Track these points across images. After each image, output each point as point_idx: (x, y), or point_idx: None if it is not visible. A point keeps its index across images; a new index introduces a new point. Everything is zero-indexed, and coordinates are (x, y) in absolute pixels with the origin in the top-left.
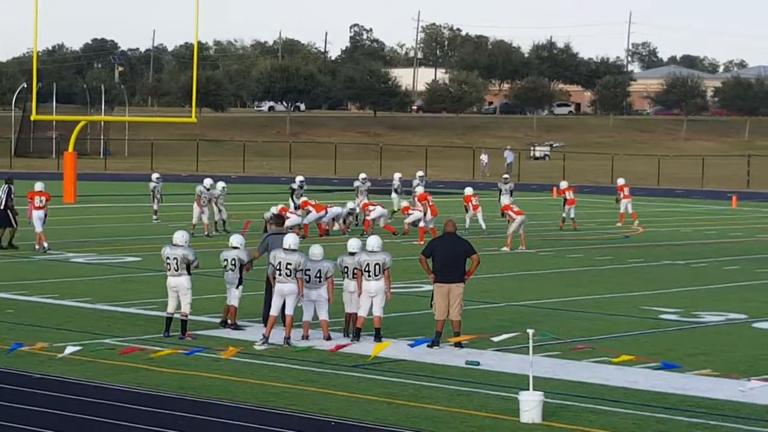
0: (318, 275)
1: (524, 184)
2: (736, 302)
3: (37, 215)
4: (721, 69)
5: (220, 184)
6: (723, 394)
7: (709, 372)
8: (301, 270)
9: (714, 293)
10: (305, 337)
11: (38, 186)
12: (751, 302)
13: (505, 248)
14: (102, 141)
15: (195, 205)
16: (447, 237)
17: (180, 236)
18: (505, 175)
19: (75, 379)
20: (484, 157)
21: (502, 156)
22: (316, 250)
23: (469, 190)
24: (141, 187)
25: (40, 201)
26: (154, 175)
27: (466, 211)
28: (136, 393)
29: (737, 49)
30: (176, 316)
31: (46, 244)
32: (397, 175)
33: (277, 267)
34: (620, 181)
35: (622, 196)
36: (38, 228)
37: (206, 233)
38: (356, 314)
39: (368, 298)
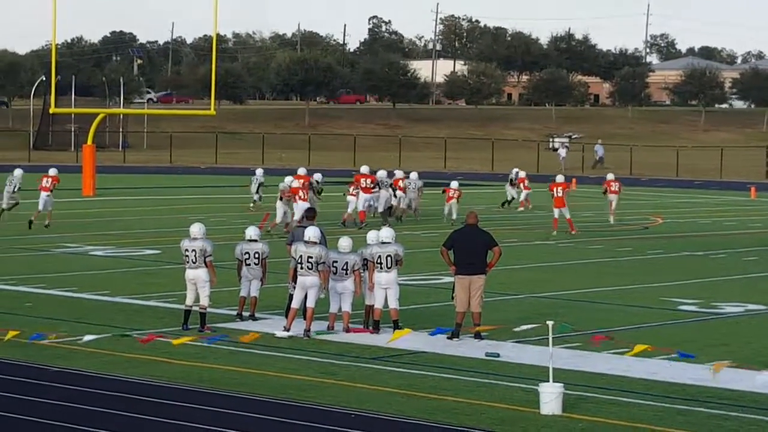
0: (345, 267)
1: (543, 176)
2: (756, 293)
3: (41, 195)
4: (739, 60)
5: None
6: (743, 385)
7: (729, 363)
8: (323, 262)
9: (733, 284)
10: (330, 328)
11: (51, 171)
12: None
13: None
14: (121, 134)
15: (279, 202)
16: (468, 229)
17: (197, 229)
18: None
19: (93, 372)
20: (562, 151)
21: (594, 150)
22: (344, 243)
23: (454, 184)
24: (159, 179)
25: (47, 182)
26: (259, 171)
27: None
28: (155, 386)
29: (755, 40)
30: (195, 308)
31: (47, 222)
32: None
33: (299, 260)
34: (609, 176)
35: (609, 190)
36: (39, 205)
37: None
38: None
39: (381, 290)
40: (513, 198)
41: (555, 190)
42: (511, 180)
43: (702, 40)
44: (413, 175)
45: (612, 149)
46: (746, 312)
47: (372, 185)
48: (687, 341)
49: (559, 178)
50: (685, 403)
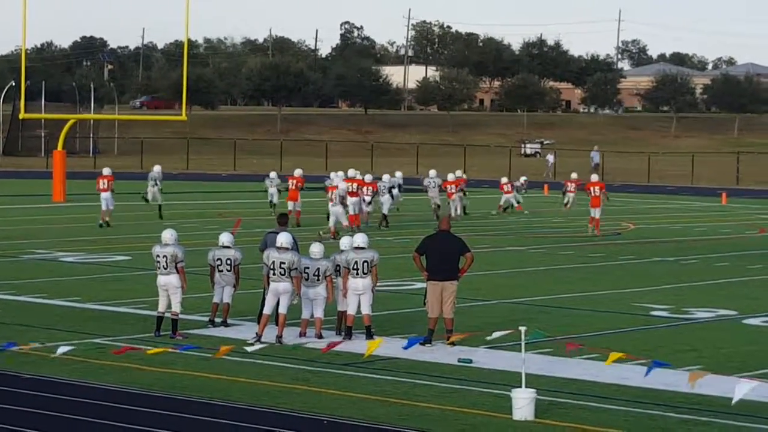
0: (317, 273)
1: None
2: (727, 299)
3: (102, 196)
4: (710, 66)
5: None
6: (714, 390)
7: (700, 368)
8: (296, 268)
9: (704, 290)
10: (302, 335)
11: (104, 171)
12: (741, 299)
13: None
14: (91, 139)
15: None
16: (441, 235)
17: (169, 234)
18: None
19: (65, 379)
20: (550, 158)
21: (590, 157)
22: (316, 249)
23: (450, 177)
24: (131, 185)
25: (103, 183)
26: (273, 173)
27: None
28: (127, 393)
29: (726, 47)
30: (167, 315)
31: (107, 219)
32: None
33: (271, 266)
34: (573, 176)
35: (567, 189)
36: (102, 206)
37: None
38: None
39: (355, 296)
40: (511, 205)
41: (592, 189)
42: (517, 188)
43: (673, 47)
44: (432, 172)
45: (583, 155)
46: (717, 317)
47: (371, 192)
48: (659, 347)
49: (594, 178)
50: (657, 408)
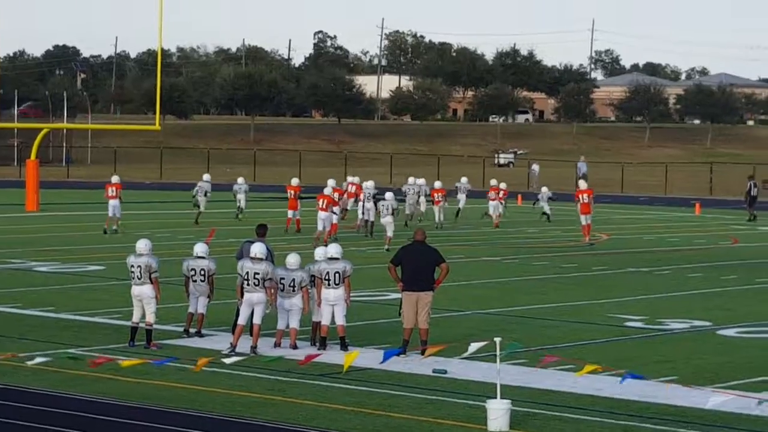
0: (292, 284)
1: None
2: (700, 310)
3: (110, 203)
4: (683, 77)
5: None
6: (688, 402)
7: (674, 380)
8: (270, 279)
9: (678, 300)
10: (277, 345)
11: (113, 179)
12: (715, 309)
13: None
14: (64, 149)
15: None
16: (416, 245)
17: (143, 245)
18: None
19: (39, 390)
20: (535, 167)
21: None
22: (292, 259)
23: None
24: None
25: (112, 191)
26: (240, 179)
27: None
28: (101, 403)
29: (699, 57)
30: (141, 325)
31: (115, 227)
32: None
33: (246, 277)
34: (500, 184)
35: (493, 196)
36: (109, 213)
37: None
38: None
39: (329, 307)
40: (546, 213)
41: (581, 196)
42: (550, 198)
43: (646, 57)
44: (411, 179)
45: (557, 165)
46: (691, 328)
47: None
48: (633, 358)
49: (583, 185)
50: (630, 419)
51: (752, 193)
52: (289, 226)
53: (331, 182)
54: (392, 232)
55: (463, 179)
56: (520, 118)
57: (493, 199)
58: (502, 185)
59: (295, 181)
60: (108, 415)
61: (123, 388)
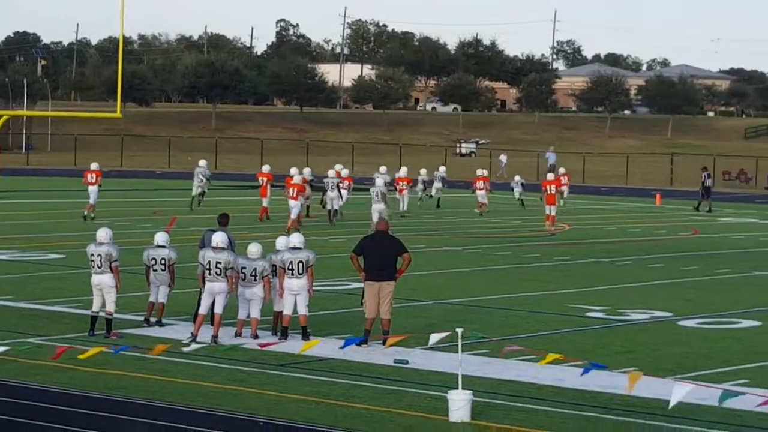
0: (253, 274)
1: (450, 181)
2: (661, 300)
3: (89, 190)
4: (644, 67)
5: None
6: (649, 393)
7: (635, 370)
8: (231, 268)
9: (639, 291)
10: (238, 335)
11: (92, 165)
12: (676, 300)
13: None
14: (24, 135)
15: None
16: (378, 235)
17: (104, 233)
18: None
19: None
20: (503, 158)
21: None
22: (253, 249)
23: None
24: (64, 182)
25: (91, 177)
26: (203, 161)
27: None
28: (60, 393)
29: (660, 48)
30: (101, 314)
31: (92, 214)
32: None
33: (207, 266)
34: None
35: (481, 186)
36: (91, 200)
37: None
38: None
39: (291, 296)
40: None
41: (548, 187)
42: (512, 187)
43: (608, 47)
44: (383, 168)
45: (518, 155)
46: (652, 319)
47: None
48: (595, 348)
49: (550, 176)
50: (593, 410)
51: (706, 184)
52: (262, 216)
53: (301, 170)
54: (386, 215)
55: (441, 168)
56: (447, 108)
57: (481, 189)
58: (483, 172)
59: (266, 168)
60: (67, 406)
61: (82, 379)
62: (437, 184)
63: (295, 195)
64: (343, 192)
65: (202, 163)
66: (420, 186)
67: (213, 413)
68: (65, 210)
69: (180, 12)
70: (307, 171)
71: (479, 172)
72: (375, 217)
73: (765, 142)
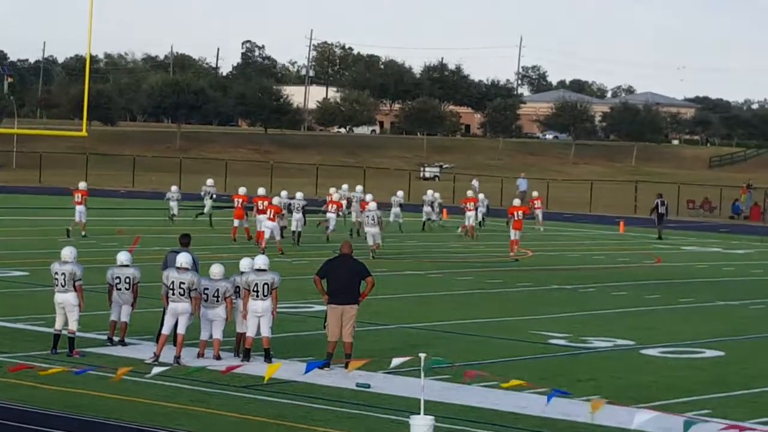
0: (216, 294)
1: (413, 205)
2: (624, 328)
3: (77, 209)
4: (609, 94)
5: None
6: (612, 421)
7: (605, 401)
8: (195, 289)
9: (602, 319)
10: (201, 356)
11: (80, 185)
12: (639, 328)
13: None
14: None
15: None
16: (342, 258)
17: (68, 252)
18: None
19: None
20: (475, 183)
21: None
22: (215, 270)
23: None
24: (28, 200)
25: (78, 197)
26: (174, 187)
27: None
28: (21, 411)
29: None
30: (64, 332)
31: (83, 232)
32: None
33: (170, 286)
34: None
35: (471, 207)
36: (76, 218)
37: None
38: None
39: (255, 318)
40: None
41: (516, 213)
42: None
43: (573, 74)
44: (359, 187)
45: (483, 180)
46: (615, 347)
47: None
48: (557, 375)
49: (516, 202)
50: None
51: (659, 211)
52: (235, 236)
53: (275, 192)
54: (381, 239)
55: (399, 192)
56: (366, 130)
57: (470, 210)
58: (437, 196)
59: (242, 190)
60: (26, 423)
61: (43, 396)
62: (395, 209)
63: (272, 216)
64: (331, 216)
65: (210, 182)
66: (396, 209)
67: None
68: (29, 227)
69: (146, 32)
70: (284, 194)
71: (469, 193)
72: (370, 241)
73: (729, 171)
